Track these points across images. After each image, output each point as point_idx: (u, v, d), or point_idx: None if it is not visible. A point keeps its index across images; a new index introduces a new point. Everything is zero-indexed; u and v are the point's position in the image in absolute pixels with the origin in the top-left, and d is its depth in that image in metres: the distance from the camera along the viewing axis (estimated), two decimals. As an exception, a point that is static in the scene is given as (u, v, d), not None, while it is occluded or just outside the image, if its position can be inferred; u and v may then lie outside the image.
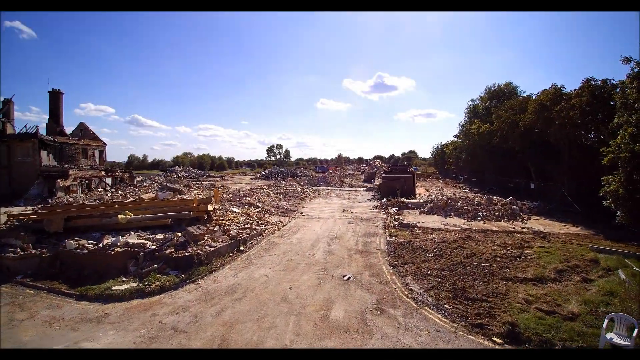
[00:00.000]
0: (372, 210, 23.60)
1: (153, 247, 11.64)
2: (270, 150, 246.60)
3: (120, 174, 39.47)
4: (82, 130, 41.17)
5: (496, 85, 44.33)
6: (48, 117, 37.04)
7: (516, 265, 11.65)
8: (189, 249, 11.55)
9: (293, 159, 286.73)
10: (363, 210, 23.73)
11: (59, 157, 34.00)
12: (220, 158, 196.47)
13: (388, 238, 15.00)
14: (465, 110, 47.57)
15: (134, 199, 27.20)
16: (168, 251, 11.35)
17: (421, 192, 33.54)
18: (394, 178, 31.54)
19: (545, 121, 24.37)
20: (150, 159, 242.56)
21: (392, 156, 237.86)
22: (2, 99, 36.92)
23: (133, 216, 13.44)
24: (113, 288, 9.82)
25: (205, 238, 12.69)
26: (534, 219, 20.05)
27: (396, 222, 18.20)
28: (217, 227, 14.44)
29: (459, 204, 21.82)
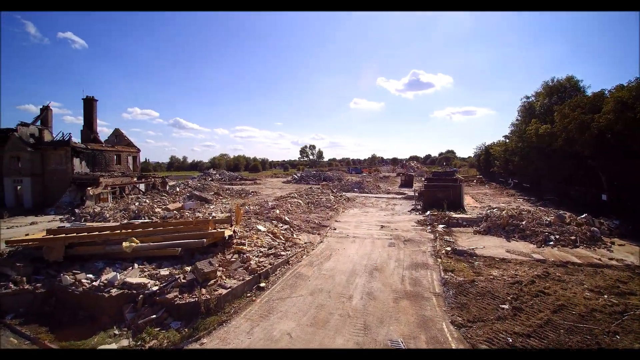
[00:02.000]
0: (416, 227, 20.52)
1: (155, 288, 9.62)
2: (303, 151, 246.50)
3: (153, 179, 39.14)
4: (117, 136, 41.45)
5: (555, 79, 38.99)
6: (82, 123, 37.44)
7: (625, 327, 8.38)
8: (196, 293, 9.39)
9: (326, 159, 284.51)
10: (405, 227, 20.72)
11: (92, 164, 34.03)
12: (254, 159, 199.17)
13: (442, 274, 12.02)
14: (519, 109, 42.46)
15: (160, 209, 26.19)
16: (171, 295, 9.27)
17: (470, 202, 29.76)
18: (439, 187, 28.07)
19: (628, 123, 20.06)
20: (189, 160, 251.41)
21: (428, 156, 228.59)
22: (40, 106, 37.90)
23: (139, 244, 11.61)
24: (99, 347, 7.85)
25: (219, 275, 10.51)
26: (618, 244, 16.05)
27: (448, 248, 15.10)
28: (236, 256, 12.25)
29: (523, 223, 18.19)
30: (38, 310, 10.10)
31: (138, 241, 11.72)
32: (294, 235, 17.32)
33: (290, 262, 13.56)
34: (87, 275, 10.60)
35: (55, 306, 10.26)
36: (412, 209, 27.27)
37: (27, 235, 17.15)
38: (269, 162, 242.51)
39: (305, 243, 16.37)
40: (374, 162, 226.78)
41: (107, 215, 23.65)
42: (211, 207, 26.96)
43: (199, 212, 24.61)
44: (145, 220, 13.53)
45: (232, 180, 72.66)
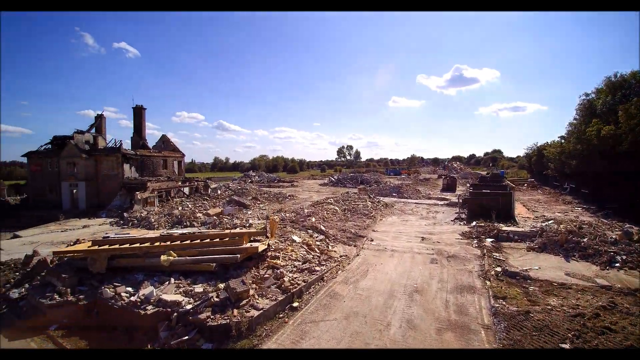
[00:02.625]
0: (460, 240, 19.14)
1: (188, 307, 9.56)
2: (340, 152, 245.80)
3: (196, 183, 40.63)
4: (164, 142, 43.57)
5: (618, 74, 34.91)
6: (133, 130, 39.75)
7: None
8: (228, 314, 9.19)
9: (363, 159, 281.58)
10: (448, 239, 19.40)
11: (141, 169, 35.96)
12: (292, 160, 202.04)
13: (492, 301, 10.86)
14: (577, 107, 38.70)
15: (201, 214, 26.93)
16: (203, 315, 9.14)
17: (522, 212, 27.43)
18: (486, 195, 26.17)
19: None
20: (231, 161, 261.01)
21: (472, 156, 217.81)
22: (95, 114, 40.82)
23: (176, 258, 11.72)
24: None
25: (251, 293, 10.26)
26: None
27: (498, 268, 13.76)
28: (269, 272, 11.98)
29: (584, 240, 16.22)
30: (80, 323, 10.47)
31: (175, 255, 11.84)
32: (329, 247, 16.80)
33: (325, 278, 13.06)
34: (127, 288, 10.83)
35: (97, 318, 10.59)
36: (456, 219, 25.64)
37: (77, 241, 18.24)
38: (306, 163, 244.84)
39: (340, 256, 15.79)
40: (414, 163, 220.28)
41: (153, 220, 24.71)
42: (249, 212, 27.26)
43: (237, 217, 24.94)
44: (184, 232, 13.69)
45: (271, 182, 73.90)
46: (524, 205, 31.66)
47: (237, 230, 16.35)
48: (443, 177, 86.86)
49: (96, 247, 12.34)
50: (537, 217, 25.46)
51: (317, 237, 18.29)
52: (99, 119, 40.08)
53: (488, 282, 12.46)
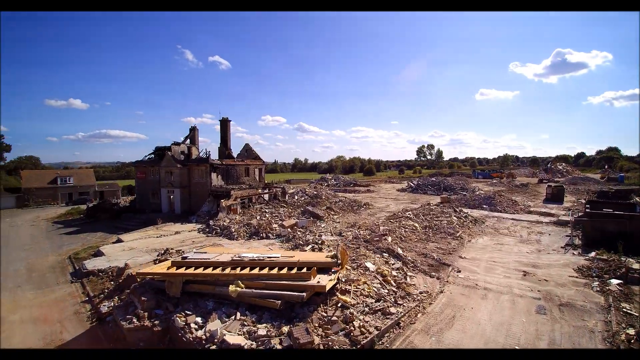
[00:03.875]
0: (576, 280, 15.38)
1: (249, 353, 8.94)
2: (420, 151, 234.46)
3: (274, 190, 41.86)
4: (247, 150, 45.96)
5: None
6: (220, 141, 42.73)
7: None
8: (290, 371, 8.27)
9: (446, 158, 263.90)
10: (559, 277, 15.78)
11: (226, 177, 38.30)
12: (369, 161, 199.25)
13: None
14: None
15: (277, 224, 27.24)
16: (263, 368, 8.38)
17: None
18: (608, 216, 21.06)
19: None
20: (310, 161, 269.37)
21: (580, 155, 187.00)
22: (195, 121, 44.88)
23: (243, 289, 11.37)
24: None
25: (316, 343, 9.21)
26: None
27: (632, 331, 10.32)
28: (338, 314, 10.81)
29: None
30: (155, 347, 10.71)
31: (243, 286, 11.51)
32: (407, 279, 14.93)
33: (402, 323, 11.38)
34: (196, 318, 10.79)
35: (169, 344, 10.74)
36: (567, 244, 21.15)
37: (165, 252, 19.59)
38: (383, 163, 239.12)
39: (420, 293, 13.84)
40: (506, 163, 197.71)
41: (233, 230, 25.75)
42: (322, 225, 26.60)
43: (310, 231, 24.48)
44: (253, 257, 13.41)
45: (346, 186, 73.16)
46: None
47: (307, 252, 15.56)
48: (544, 180, 75.45)
49: (173, 271, 12.71)
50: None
51: (393, 264, 16.53)
52: (193, 130, 43.98)
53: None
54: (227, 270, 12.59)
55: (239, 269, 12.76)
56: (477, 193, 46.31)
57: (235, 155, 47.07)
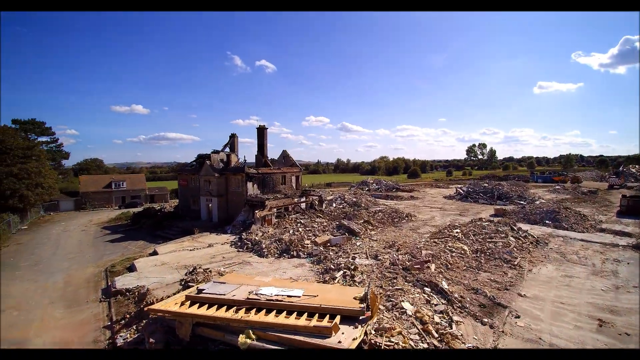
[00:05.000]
0: (681, 340, 11.86)
1: None
2: (470, 150, 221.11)
3: (311, 199, 40.52)
4: (285, 157, 45.13)
5: None
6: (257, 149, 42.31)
7: None
8: None
9: (500, 157, 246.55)
10: (654, 333, 12.34)
11: (262, 186, 37.65)
12: (414, 162, 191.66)
13: None
14: None
15: (309, 240, 25.73)
16: None
17: None
18: None
19: None
20: (353, 161, 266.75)
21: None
22: (230, 134, 45.03)
23: (253, 341, 9.84)
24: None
25: None
26: None
27: None
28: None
29: None
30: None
31: (254, 337, 10.00)
32: (453, 327, 12.48)
33: (444, 398, 9.11)
34: (200, 374, 9.44)
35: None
36: (661, 282, 17.06)
37: (182, 282, 18.80)
38: (429, 164, 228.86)
39: (468, 348, 11.37)
40: (569, 164, 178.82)
41: (264, 246, 24.68)
42: (357, 244, 24.55)
43: (343, 251, 22.61)
44: (271, 296, 11.96)
45: (388, 191, 69.94)
46: None
47: (334, 288, 13.65)
48: (615, 186, 65.94)
49: (184, 309, 11.62)
50: None
51: (436, 304, 14.09)
52: (232, 137, 44.09)
53: None
54: (241, 313, 11.19)
55: (253, 311, 11.32)
56: (538, 204, 41.14)
57: (277, 156, 46.61)
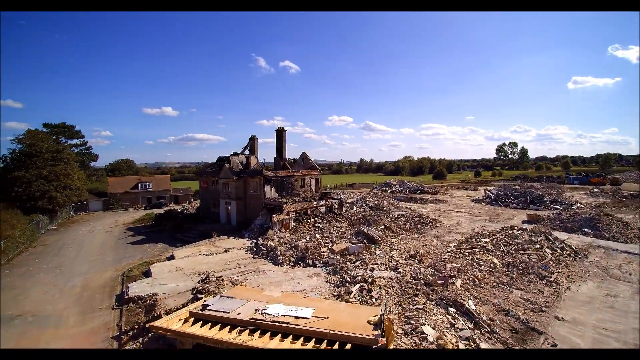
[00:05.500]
0: None
1: None
2: (500, 150, 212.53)
3: (330, 202, 39.52)
4: (304, 159, 44.38)
5: None
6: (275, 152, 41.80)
7: None
8: None
9: (532, 157, 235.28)
10: None
11: (280, 189, 37.04)
12: (440, 162, 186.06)
13: None
14: None
15: (326, 248, 24.76)
16: None
17: None
18: None
19: None
20: (376, 160, 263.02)
21: None
22: (250, 136, 44.79)
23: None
24: None
25: None
26: None
27: None
28: None
29: None
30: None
31: (254, 365, 9.15)
32: None
33: None
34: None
35: None
36: None
37: (194, 290, 18.25)
38: (456, 163, 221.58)
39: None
40: (608, 164, 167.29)
41: (279, 252, 23.96)
42: (377, 252, 23.28)
43: (361, 260, 21.44)
44: (277, 319, 11.08)
45: (412, 193, 67.70)
46: None
47: (347, 307, 12.57)
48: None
49: (184, 329, 10.97)
50: None
51: (461, 328, 12.71)
52: (252, 140, 43.84)
53: None
54: (244, 335, 10.40)
55: (257, 333, 10.49)
56: (576, 209, 38.11)
57: (298, 156, 45.97)
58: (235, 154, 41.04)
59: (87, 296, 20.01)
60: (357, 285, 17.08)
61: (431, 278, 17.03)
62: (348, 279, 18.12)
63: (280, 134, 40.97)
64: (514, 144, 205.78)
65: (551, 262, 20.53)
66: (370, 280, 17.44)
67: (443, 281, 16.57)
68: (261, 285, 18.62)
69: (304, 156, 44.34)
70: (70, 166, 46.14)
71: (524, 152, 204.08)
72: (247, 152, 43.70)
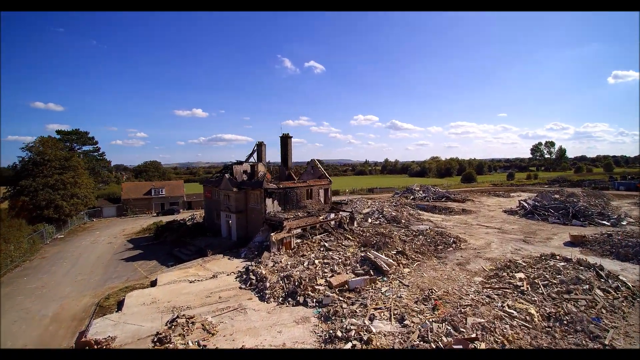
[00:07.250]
0: None
1: None
2: (536, 149, 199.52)
3: (341, 215, 35.92)
4: (313, 167, 40.95)
5: None
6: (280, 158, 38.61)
7: None
8: None
9: (570, 156, 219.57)
10: None
11: (284, 202, 33.87)
12: (469, 163, 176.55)
13: None
14: None
15: (323, 280, 21.27)
16: None
17: None
18: None
19: None
20: (402, 160, 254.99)
21: None
22: (256, 142, 41.88)
23: None
24: None
25: None
26: None
27: None
28: None
29: None
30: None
31: None
32: None
33: None
34: None
35: None
36: None
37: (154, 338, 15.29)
38: (487, 164, 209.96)
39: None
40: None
41: (268, 284, 20.75)
42: (383, 289, 19.41)
43: (362, 300, 17.75)
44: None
45: (437, 200, 62.54)
46: None
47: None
48: None
49: None
50: None
51: None
52: (260, 146, 40.89)
53: None
54: None
55: None
56: (626, 224, 32.23)
57: (322, 157, 42.78)
58: (239, 162, 38.36)
59: (51, 331, 17.84)
60: (349, 345, 13.50)
61: (445, 340, 13.14)
62: (339, 333, 14.52)
63: (285, 141, 37.78)
64: (550, 143, 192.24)
65: (604, 311, 15.96)
66: (366, 337, 13.80)
67: (462, 346, 12.65)
68: (235, 334, 15.47)
69: (312, 164, 40.87)
70: (79, 174, 45.34)
71: (562, 152, 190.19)
72: (253, 159, 40.92)
